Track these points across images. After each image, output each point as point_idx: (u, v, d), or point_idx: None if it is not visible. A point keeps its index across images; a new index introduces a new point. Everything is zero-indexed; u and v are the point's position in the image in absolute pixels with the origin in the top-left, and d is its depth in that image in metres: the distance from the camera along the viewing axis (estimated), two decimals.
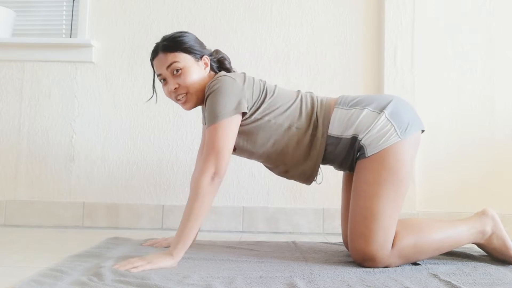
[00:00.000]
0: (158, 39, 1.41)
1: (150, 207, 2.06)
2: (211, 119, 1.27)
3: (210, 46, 1.50)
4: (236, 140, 1.33)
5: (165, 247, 1.51)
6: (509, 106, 2.08)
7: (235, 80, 1.30)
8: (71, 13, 2.23)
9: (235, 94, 1.28)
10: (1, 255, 1.39)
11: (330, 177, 1.93)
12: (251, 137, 1.34)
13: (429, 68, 2.08)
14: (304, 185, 2.03)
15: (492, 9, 2.10)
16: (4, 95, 2.14)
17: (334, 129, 1.31)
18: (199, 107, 1.56)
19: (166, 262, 1.20)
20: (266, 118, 1.32)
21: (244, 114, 1.31)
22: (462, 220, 1.33)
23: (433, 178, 2.05)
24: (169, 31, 1.49)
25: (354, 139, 1.29)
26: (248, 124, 1.32)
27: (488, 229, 1.31)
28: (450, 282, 1.07)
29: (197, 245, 1.56)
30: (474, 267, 1.26)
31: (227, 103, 1.26)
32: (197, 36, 1.44)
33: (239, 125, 1.30)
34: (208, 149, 1.26)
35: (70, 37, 2.22)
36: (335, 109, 1.33)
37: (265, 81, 1.40)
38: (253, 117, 1.32)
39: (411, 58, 2.05)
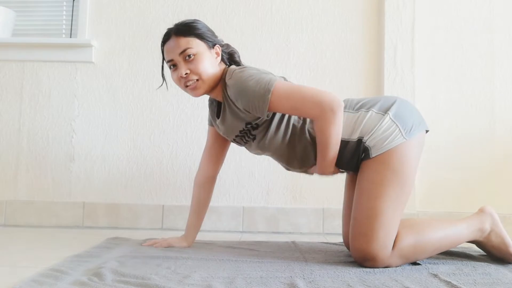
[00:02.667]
0: (158, 40, 1.41)
1: (150, 207, 2.06)
2: (264, 97, 1.23)
3: None
4: (253, 132, 1.34)
5: (165, 247, 1.51)
6: (509, 106, 2.08)
7: (256, 67, 1.33)
8: (71, 13, 2.23)
9: (263, 72, 1.30)
10: (1, 255, 1.39)
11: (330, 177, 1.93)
12: (268, 131, 1.32)
13: (429, 68, 2.08)
14: (304, 185, 2.05)
15: (492, 9, 2.10)
16: (4, 95, 2.14)
17: (342, 133, 1.30)
18: (206, 106, 1.55)
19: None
20: (287, 115, 1.32)
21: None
22: (461, 219, 1.34)
23: (433, 177, 2.05)
24: None
25: (360, 141, 1.29)
26: (268, 117, 1.31)
27: (487, 227, 1.32)
28: (450, 282, 1.07)
29: (197, 245, 1.56)
30: (473, 267, 1.26)
31: (263, 77, 1.26)
32: None
33: None
34: (310, 105, 1.23)
35: (70, 37, 2.22)
36: None
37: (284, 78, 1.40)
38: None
39: (411, 58, 2.05)
